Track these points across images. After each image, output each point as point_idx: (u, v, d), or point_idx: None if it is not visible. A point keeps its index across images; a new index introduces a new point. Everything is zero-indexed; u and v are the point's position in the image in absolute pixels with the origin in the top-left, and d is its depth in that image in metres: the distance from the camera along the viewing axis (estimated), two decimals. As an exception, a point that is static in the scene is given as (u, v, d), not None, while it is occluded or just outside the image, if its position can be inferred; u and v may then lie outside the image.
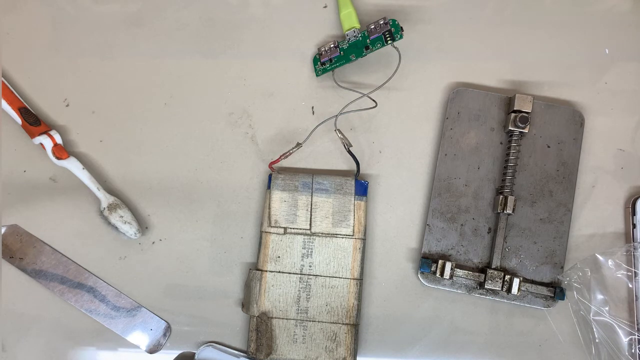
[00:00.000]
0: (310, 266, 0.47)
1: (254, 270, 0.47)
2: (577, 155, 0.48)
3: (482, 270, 0.46)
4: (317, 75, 0.49)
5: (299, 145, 0.46)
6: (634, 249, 0.47)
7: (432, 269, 0.46)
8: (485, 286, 0.46)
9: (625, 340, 0.46)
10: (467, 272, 0.46)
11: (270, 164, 0.47)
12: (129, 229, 0.47)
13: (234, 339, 0.48)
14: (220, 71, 0.50)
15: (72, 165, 0.48)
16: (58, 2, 0.51)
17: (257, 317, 0.46)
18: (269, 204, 0.47)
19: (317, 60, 0.49)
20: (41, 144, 0.48)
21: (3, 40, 0.50)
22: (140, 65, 0.50)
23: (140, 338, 0.48)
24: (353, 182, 0.47)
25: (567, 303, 0.47)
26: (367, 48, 0.47)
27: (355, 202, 0.47)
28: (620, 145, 0.49)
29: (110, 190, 0.49)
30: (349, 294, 0.46)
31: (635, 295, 0.46)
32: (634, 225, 0.47)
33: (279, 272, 0.46)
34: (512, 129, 0.47)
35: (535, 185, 0.47)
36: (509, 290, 0.46)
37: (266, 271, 0.46)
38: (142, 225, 0.48)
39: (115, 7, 0.51)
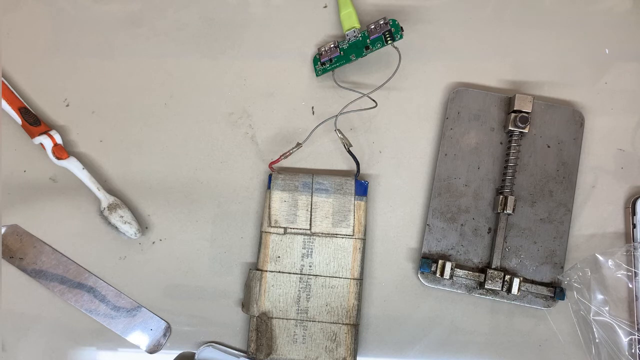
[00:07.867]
0: (310, 266, 0.46)
1: (254, 270, 0.47)
2: (577, 155, 0.48)
3: (482, 270, 0.46)
4: (317, 75, 0.49)
5: (299, 145, 0.46)
6: (634, 249, 0.47)
7: (432, 269, 0.46)
8: (485, 286, 0.46)
9: (625, 340, 0.46)
10: (467, 272, 0.46)
11: (270, 164, 0.47)
12: (129, 229, 0.47)
13: (234, 339, 0.48)
14: (220, 71, 0.50)
15: (72, 165, 0.48)
16: (58, 2, 0.51)
17: (257, 317, 0.46)
18: (269, 204, 0.47)
19: (317, 60, 0.49)
20: (41, 144, 0.48)
21: (3, 40, 0.50)
22: (140, 65, 0.50)
23: (140, 338, 0.48)
24: (353, 182, 0.47)
25: (567, 303, 0.47)
26: (367, 48, 0.47)
27: (355, 202, 0.47)
28: (620, 145, 0.49)
29: (110, 190, 0.49)
30: (349, 294, 0.46)
31: (635, 295, 0.46)
32: (634, 225, 0.47)
33: (279, 272, 0.46)
34: (512, 129, 0.47)
35: (535, 185, 0.47)
36: (509, 290, 0.46)
37: (266, 271, 0.46)
38: (142, 225, 0.48)
39: (115, 7, 0.51)
